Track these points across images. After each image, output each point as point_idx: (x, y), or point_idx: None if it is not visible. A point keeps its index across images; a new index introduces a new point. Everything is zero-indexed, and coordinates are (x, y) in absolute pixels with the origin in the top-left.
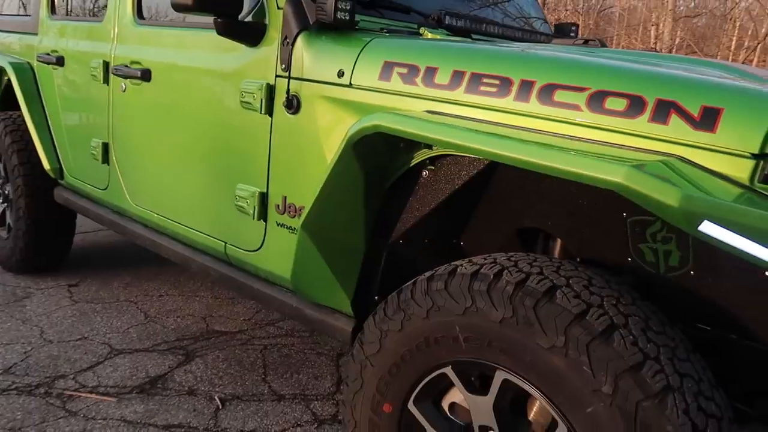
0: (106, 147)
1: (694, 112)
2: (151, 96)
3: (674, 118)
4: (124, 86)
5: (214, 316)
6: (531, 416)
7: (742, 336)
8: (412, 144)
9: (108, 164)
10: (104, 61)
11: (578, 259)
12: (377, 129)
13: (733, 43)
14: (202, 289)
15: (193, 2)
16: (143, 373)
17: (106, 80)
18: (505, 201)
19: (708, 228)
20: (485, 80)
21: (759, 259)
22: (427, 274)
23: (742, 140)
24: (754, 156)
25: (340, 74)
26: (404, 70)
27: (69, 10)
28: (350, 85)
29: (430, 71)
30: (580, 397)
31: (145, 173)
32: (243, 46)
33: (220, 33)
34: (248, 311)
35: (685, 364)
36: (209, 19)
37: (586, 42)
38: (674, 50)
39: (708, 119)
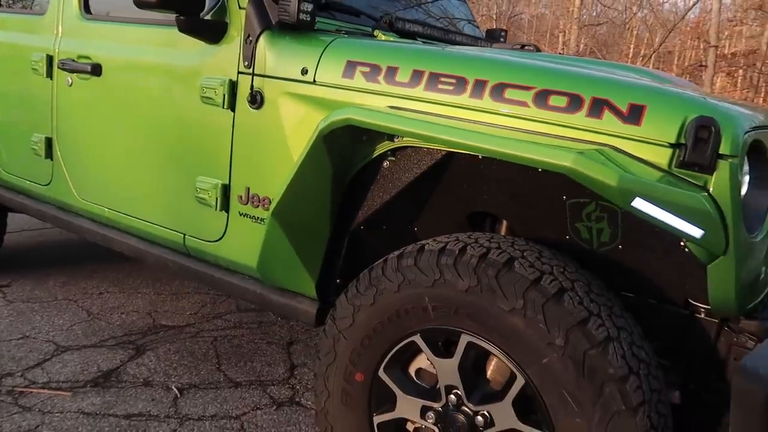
0: (49, 142)
1: (623, 108)
2: (103, 90)
3: (607, 114)
4: (70, 80)
5: (159, 311)
6: (489, 374)
7: (660, 300)
8: (375, 137)
9: (51, 159)
10: (47, 55)
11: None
12: (348, 122)
13: (631, 50)
14: (143, 286)
15: (157, 0)
16: (94, 367)
17: (50, 74)
18: (459, 188)
19: (639, 204)
20: (443, 79)
21: (677, 229)
22: (396, 252)
23: (662, 132)
24: (671, 145)
25: (304, 72)
26: (367, 69)
27: (7, 1)
28: (314, 82)
29: (392, 70)
30: (537, 350)
31: (95, 168)
32: (202, 42)
33: (182, 30)
34: (194, 306)
35: (620, 319)
36: (165, 16)
37: (522, 47)
38: (579, 56)
39: (634, 115)
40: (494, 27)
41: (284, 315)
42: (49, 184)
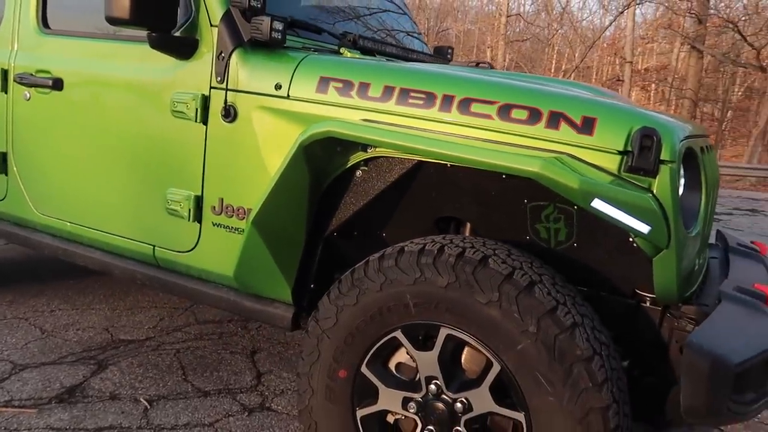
0: (3, 156)
1: (577, 120)
2: (64, 105)
3: (563, 125)
4: (28, 95)
5: (116, 326)
6: (465, 364)
7: (611, 292)
8: (349, 148)
9: (6, 174)
10: (2, 69)
11: None
12: (329, 134)
13: (553, 65)
14: (95, 302)
15: (130, 17)
16: (57, 384)
17: (4, 89)
18: (427, 195)
19: (598, 204)
20: (413, 94)
21: (629, 226)
22: (377, 254)
23: (612, 141)
24: (619, 152)
25: (278, 87)
26: (340, 85)
27: None
28: (288, 97)
29: (364, 86)
30: (512, 338)
31: (55, 182)
32: (171, 58)
33: (153, 46)
34: (151, 319)
35: (582, 307)
36: (132, 31)
37: (477, 64)
38: (506, 70)
39: (587, 126)
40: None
41: (260, 320)
42: (3, 199)
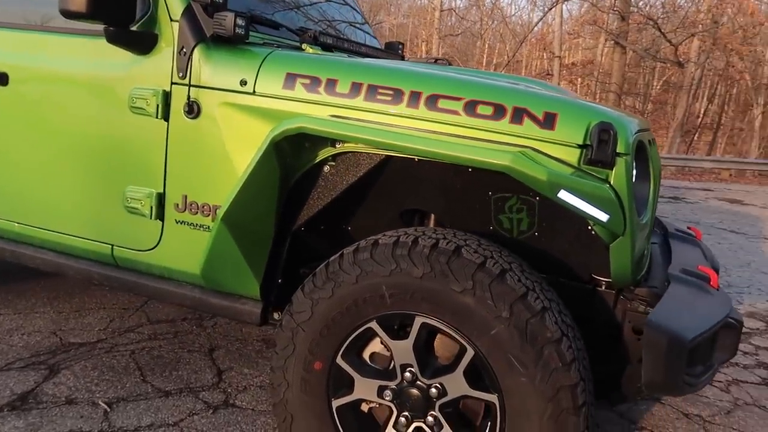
0: None
1: (540, 116)
2: (9, 100)
3: (527, 121)
4: None
5: (64, 329)
6: (438, 350)
7: (569, 277)
8: (318, 143)
9: None
10: None
11: None
12: (301, 130)
13: (485, 59)
14: (39, 305)
15: (87, 10)
16: (7, 391)
17: None
18: (394, 189)
19: (563, 195)
20: (381, 90)
21: (590, 215)
22: (351, 247)
23: (572, 135)
24: (579, 146)
25: (243, 83)
26: (307, 81)
27: None
28: (254, 93)
29: (332, 82)
30: (486, 323)
31: (1, 182)
32: (129, 53)
33: (110, 41)
34: (101, 321)
35: (549, 292)
36: (85, 25)
37: (436, 60)
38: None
39: (549, 121)
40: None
41: (227, 316)
42: None
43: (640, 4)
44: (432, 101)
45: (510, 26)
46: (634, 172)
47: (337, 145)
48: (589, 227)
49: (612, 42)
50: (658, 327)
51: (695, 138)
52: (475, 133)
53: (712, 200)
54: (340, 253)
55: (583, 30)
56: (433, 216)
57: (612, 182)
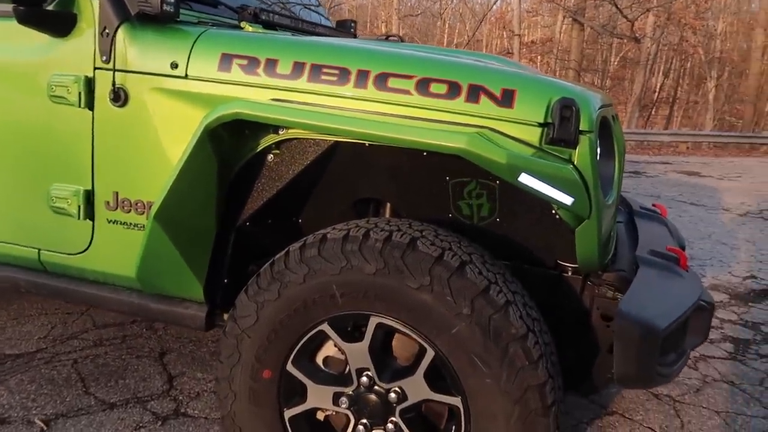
0: None
1: (497, 93)
2: None
3: (483, 98)
4: None
5: None
6: (397, 351)
7: (534, 264)
8: (259, 130)
9: None
10: None
11: None
12: (237, 116)
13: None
14: None
15: None
16: None
17: None
18: (344, 177)
19: (524, 178)
20: (325, 70)
21: (553, 198)
22: (298, 244)
23: (532, 113)
24: (540, 124)
25: (174, 66)
26: (244, 62)
27: None
28: (186, 77)
29: (271, 62)
30: (446, 322)
31: None
32: (46, 36)
33: (21, 22)
34: (41, 329)
35: (513, 284)
36: None
37: (387, 37)
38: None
39: (507, 99)
40: None
41: (170, 322)
42: None
43: None
44: (381, 80)
45: (470, 5)
46: (599, 150)
47: (280, 132)
48: (553, 211)
49: (570, 19)
50: (629, 317)
51: (652, 112)
52: (429, 114)
53: (671, 173)
54: (285, 250)
55: (541, 8)
56: (389, 205)
57: (576, 162)
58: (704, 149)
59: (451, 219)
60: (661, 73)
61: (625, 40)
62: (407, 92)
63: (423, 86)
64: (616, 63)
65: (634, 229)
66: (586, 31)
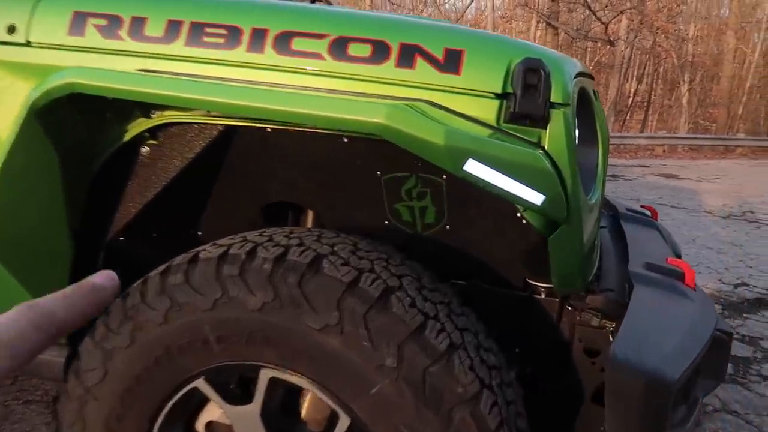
0: None
1: (438, 55)
2: None
3: (420, 62)
4: None
5: None
6: (305, 414)
7: (495, 283)
8: (124, 112)
9: None
10: None
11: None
12: (72, 89)
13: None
14: None
15: None
16: None
17: None
18: (246, 174)
19: (472, 167)
20: (209, 30)
21: (516, 195)
22: (161, 268)
23: (486, 81)
24: (497, 96)
25: (11, 30)
26: (103, 22)
27: None
28: (28, 44)
29: (138, 22)
30: (363, 377)
31: None
32: None
33: None
34: None
35: (462, 318)
36: None
37: (313, 1)
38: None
39: (452, 61)
40: None
41: (19, 374)
42: None
43: None
44: (283, 42)
45: (443, 11)
46: (577, 131)
47: (152, 115)
48: (518, 214)
49: (544, 24)
50: (627, 365)
51: (628, 117)
52: (348, 85)
53: (650, 176)
54: (143, 278)
55: (515, 13)
56: (310, 213)
57: (546, 146)
58: (680, 152)
59: (388, 227)
60: (635, 78)
61: (600, 44)
62: (318, 56)
63: (339, 48)
64: (591, 67)
65: (621, 236)
66: (560, 35)
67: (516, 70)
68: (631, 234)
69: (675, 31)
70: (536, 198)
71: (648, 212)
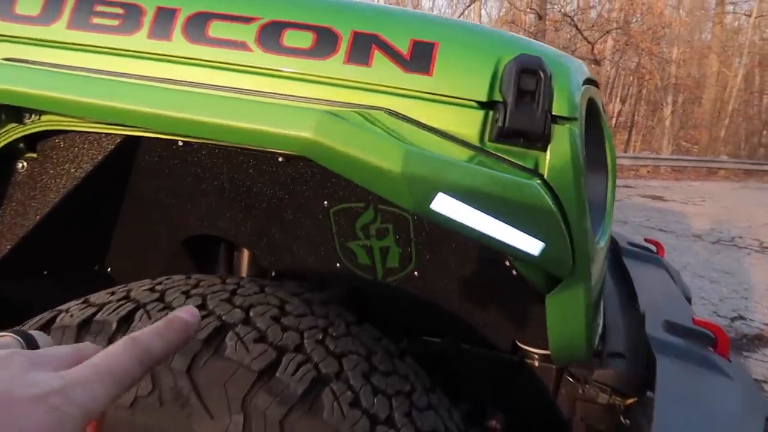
0: None
1: (403, 48)
2: None
3: (378, 58)
4: None
5: None
6: None
7: (476, 344)
8: None
9: None
10: None
11: (273, 274)
12: None
13: None
14: None
15: None
16: None
17: None
18: (157, 201)
19: (442, 204)
20: (100, 8)
21: (506, 244)
22: None
23: (465, 85)
24: (481, 105)
25: None
26: None
27: None
28: None
29: None
30: None
31: None
32: None
33: None
34: None
35: (428, 415)
36: None
37: None
38: None
39: (421, 58)
40: None
41: None
42: None
43: (555, 9)
44: (197, 26)
45: None
46: (583, 152)
47: (26, 120)
48: (508, 264)
49: None
50: None
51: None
52: (281, 86)
53: (635, 197)
54: None
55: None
56: (245, 251)
57: (546, 175)
58: (663, 173)
59: (340, 273)
60: (619, 99)
61: (586, 62)
62: (243, 46)
63: (271, 36)
64: None
65: (625, 278)
66: None
67: (507, 72)
68: (637, 275)
69: (659, 52)
70: (532, 246)
71: (653, 247)
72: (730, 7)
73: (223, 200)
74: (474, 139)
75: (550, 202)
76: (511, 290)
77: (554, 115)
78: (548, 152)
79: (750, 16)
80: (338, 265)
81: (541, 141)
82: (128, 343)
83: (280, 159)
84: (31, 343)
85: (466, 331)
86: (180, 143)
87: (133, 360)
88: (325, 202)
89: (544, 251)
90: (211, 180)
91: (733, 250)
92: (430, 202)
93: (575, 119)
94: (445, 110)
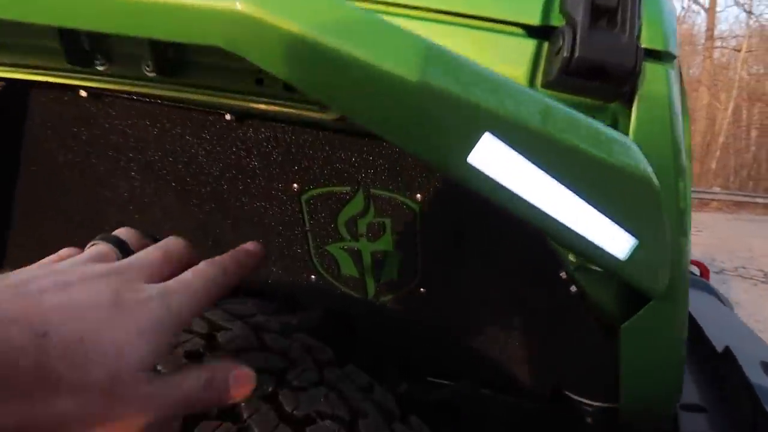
0: None
1: None
2: None
3: None
4: None
5: None
6: None
7: (502, 389)
8: None
9: None
10: None
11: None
12: None
13: None
14: None
15: None
16: None
17: None
18: (52, 175)
19: (489, 155)
20: None
21: (583, 239)
22: None
23: (508, 2)
24: (531, 32)
25: None
26: None
27: None
28: None
29: None
30: None
31: None
32: None
33: None
34: None
35: None
36: None
37: None
38: None
39: None
40: None
41: None
42: None
43: None
44: None
45: None
46: (687, 107)
47: None
48: (561, 274)
49: None
50: None
51: None
52: None
53: None
54: None
55: None
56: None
57: (632, 136)
58: None
59: (312, 288)
60: None
61: None
62: None
63: None
64: None
65: None
66: None
67: None
68: (694, 305)
69: None
70: (620, 243)
71: (696, 269)
72: (718, 42)
73: (150, 180)
74: (521, 80)
75: (650, 174)
76: (560, 315)
77: (646, 48)
78: (636, 102)
79: (740, 51)
80: (313, 277)
81: (630, 82)
82: (209, 263)
83: (228, 117)
84: (124, 248)
85: (488, 371)
86: (83, 94)
87: (215, 276)
88: (295, 186)
89: (635, 252)
90: (133, 154)
91: (738, 280)
92: (469, 150)
93: (673, 57)
94: (480, 40)
